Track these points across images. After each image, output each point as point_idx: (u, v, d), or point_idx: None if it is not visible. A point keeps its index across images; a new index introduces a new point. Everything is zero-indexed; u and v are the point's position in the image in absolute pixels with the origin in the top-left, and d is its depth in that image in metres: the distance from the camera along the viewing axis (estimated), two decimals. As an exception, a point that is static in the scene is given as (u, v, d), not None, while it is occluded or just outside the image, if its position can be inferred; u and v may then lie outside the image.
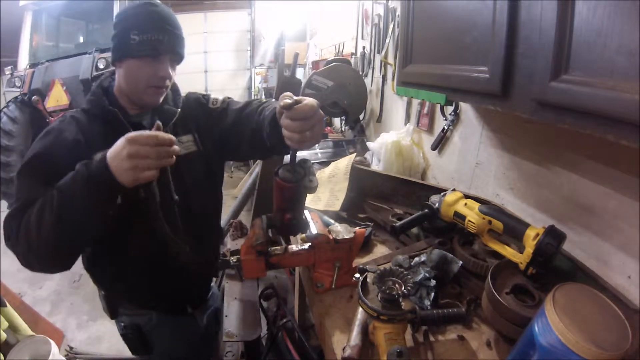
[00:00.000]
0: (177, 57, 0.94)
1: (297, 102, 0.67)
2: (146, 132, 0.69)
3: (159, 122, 0.75)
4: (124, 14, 0.90)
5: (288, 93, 0.71)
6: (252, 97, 4.83)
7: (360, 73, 2.67)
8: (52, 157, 0.84)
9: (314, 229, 0.90)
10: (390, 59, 2.23)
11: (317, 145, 2.24)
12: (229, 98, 1.09)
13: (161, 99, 0.95)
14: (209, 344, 1.33)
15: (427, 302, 0.85)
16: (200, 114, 1.05)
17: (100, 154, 0.71)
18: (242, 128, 0.99)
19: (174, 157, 0.72)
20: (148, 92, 0.91)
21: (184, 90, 1.08)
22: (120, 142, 0.69)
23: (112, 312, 1.10)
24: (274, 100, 1.01)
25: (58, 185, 0.75)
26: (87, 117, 0.93)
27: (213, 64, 7.59)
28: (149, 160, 0.69)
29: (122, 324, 1.11)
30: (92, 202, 0.72)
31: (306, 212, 0.93)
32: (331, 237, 0.88)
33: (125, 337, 1.13)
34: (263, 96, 5.65)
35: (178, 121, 0.99)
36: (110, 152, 0.69)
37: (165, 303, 1.09)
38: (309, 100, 0.69)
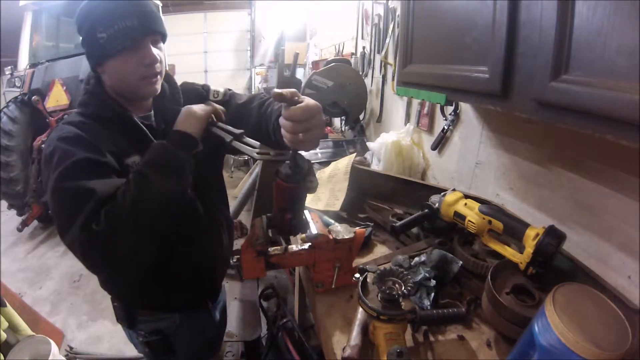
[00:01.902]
0: (158, 35, 0.82)
1: (293, 95, 0.64)
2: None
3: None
4: (82, 14, 0.78)
5: (286, 90, 0.71)
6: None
7: (360, 73, 2.67)
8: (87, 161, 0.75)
9: (314, 229, 0.90)
10: (390, 59, 2.23)
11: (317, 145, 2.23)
12: (229, 90, 1.05)
13: (159, 87, 0.88)
14: (221, 338, 1.33)
15: (427, 302, 0.85)
16: None
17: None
18: (243, 123, 0.95)
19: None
20: (141, 85, 0.83)
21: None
22: (198, 107, 0.84)
23: (131, 322, 1.04)
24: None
25: (140, 165, 0.74)
26: (91, 120, 0.82)
27: (213, 64, 7.60)
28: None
29: (142, 332, 1.04)
30: (180, 161, 0.75)
31: (306, 212, 0.93)
32: (331, 237, 0.88)
33: (149, 344, 1.05)
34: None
35: None
36: (179, 121, 0.81)
37: (189, 302, 1.06)
38: (306, 103, 0.66)
